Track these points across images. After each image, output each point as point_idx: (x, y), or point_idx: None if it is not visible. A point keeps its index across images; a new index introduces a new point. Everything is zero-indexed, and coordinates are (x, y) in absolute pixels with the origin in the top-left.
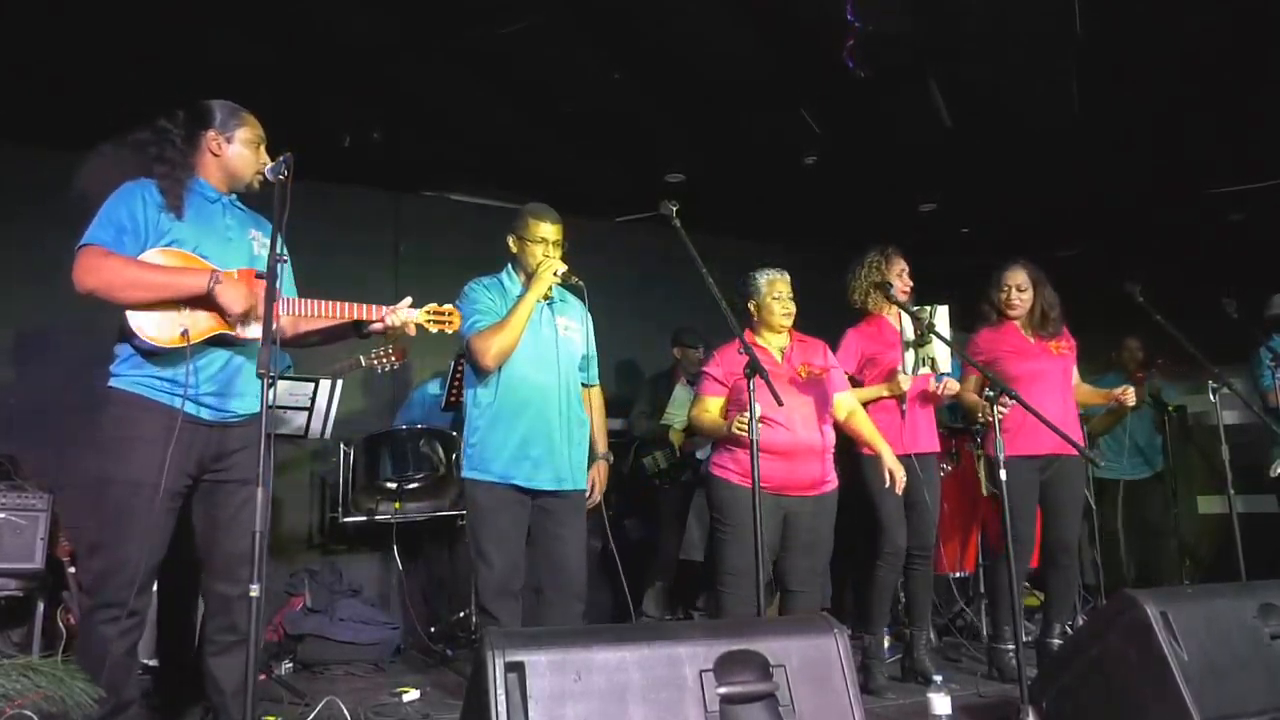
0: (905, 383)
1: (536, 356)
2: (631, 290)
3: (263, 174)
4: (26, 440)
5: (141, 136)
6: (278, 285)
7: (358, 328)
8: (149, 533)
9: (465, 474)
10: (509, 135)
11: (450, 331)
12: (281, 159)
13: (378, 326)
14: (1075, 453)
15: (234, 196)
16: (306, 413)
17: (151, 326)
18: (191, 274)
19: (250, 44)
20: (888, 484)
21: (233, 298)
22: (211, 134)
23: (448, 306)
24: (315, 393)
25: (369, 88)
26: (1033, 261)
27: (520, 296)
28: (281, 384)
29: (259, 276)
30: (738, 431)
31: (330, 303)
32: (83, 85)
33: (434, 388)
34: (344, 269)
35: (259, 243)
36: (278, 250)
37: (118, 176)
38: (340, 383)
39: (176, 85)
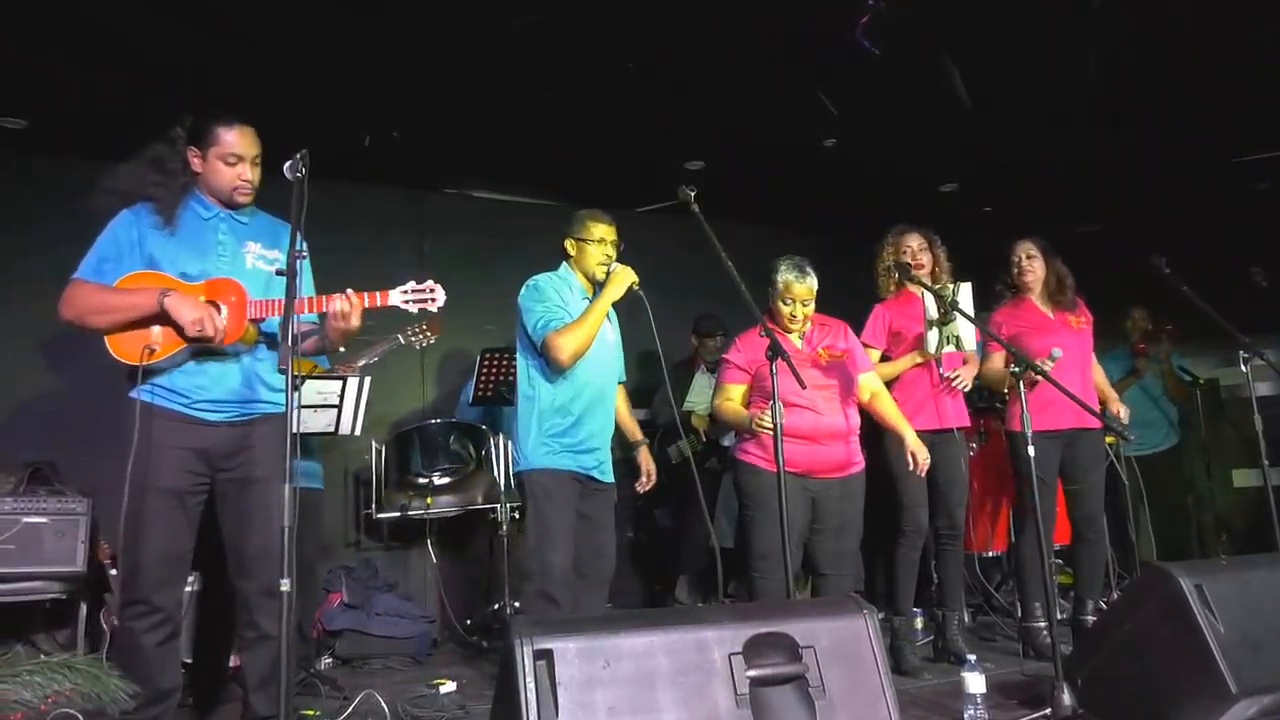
0: (934, 348)
1: (599, 357)
2: (653, 280)
3: (242, 188)
4: (65, 446)
5: (155, 151)
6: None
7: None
8: (159, 534)
9: (534, 465)
10: (527, 130)
11: (433, 309)
12: (298, 156)
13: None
14: (1095, 426)
15: (238, 211)
16: (335, 410)
17: (123, 347)
18: (143, 293)
19: (268, 45)
20: (911, 467)
21: (183, 311)
22: (193, 150)
23: (428, 283)
24: (344, 390)
25: (387, 86)
26: (1047, 238)
27: (596, 299)
28: (309, 382)
29: (280, 273)
30: (758, 428)
31: (323, 297)
32: (109, 96)
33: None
34: (370, 269)
35: (253, 254)
36: (297, 247)
37: (131, 191)
38: (368, 380)
39: (193, 89)
